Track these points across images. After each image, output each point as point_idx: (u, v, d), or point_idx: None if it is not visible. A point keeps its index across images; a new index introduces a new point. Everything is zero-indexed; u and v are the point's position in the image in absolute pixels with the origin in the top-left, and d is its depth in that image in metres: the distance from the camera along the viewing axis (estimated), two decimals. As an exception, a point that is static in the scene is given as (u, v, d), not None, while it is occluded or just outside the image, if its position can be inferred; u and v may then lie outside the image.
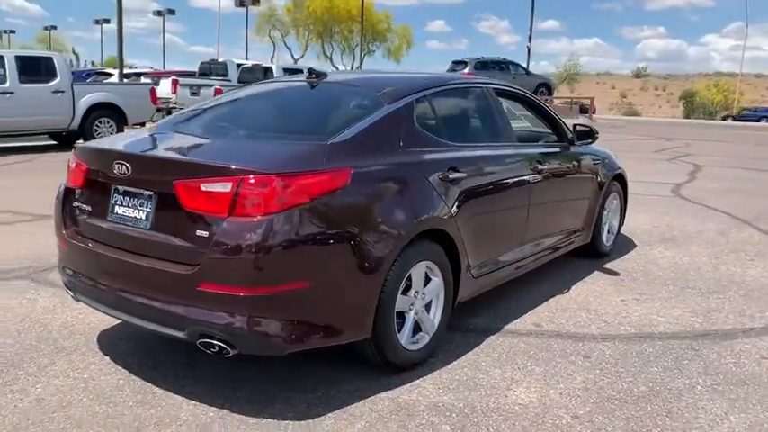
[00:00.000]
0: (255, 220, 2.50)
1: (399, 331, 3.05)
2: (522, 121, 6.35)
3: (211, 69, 21.11)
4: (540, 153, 4.19)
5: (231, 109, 3.67)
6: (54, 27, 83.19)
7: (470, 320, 3.81)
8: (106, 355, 3.26)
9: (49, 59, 12.10)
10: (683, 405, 2.89)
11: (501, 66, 28.77)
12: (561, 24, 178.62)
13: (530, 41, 36.55)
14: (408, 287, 3.09)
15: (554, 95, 31.53)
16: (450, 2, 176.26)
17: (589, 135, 4.66)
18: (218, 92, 17.41)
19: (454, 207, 3.27)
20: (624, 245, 5.73)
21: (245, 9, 55.96)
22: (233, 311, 2.54)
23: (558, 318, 3.93)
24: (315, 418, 2.70)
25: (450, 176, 3.26)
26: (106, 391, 2.90)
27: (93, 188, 3.02)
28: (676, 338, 3.65)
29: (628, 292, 4.47)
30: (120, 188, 2.88)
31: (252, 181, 2.51)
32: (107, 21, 71.00)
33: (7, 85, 11.20)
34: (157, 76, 20.41)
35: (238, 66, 20.52)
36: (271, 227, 2.50)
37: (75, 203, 3.10)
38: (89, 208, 3.04)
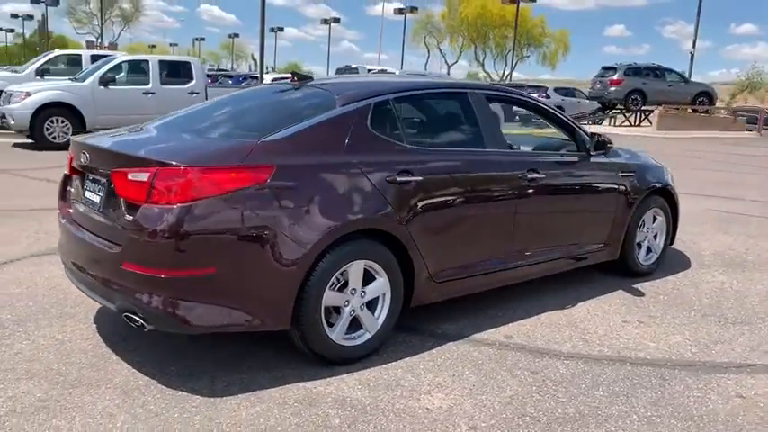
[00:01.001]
0: (166, 207, 2.75)
1: (332, 326, 3.16)
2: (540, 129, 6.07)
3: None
4: (536, 161, 4.02)
5: (206, 109, 3.94)
6: (236, 35, 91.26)
7: (441, 325, 3.79)
8: (95, 323, 3.69)
9: (188, 64, 13.43)
10: (598, 432, 2.71)
11: (655, 72, 27.08)
12: (759, 28, 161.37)
13: (693, 47, 34.04)
14: (346, 283, 3.17)
15: (718, 105, 29.05)
16: (631, 5, 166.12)
17: (602, 145, 4.39)
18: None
19: (405, 209, 3.30)
20: (675, 264, 5.29)
21: (403, 17, 57.72)
22: (147, 290, 2.81)
23: (537, 332, 3.78)
24: (223, 397, 2.89)
25: (400, 179, 3.29)
26: (73, 352, 3.30)
27: (77, 175, 3.46)
28: (651, 365, 3.38)
29: (638, 313, 4.16)
30: (90, 176, 3.28)
31: (166, 172, 2.77)
32: (281, 29, 76.98)
33: (150, 86, 12.61)
34: (297, 80, 21.86)
35: (369, 71, 21.42)
36: (181, 214, 2.73)
37: (67, 188, 3.56)
38: (73, 191, 3.48)
